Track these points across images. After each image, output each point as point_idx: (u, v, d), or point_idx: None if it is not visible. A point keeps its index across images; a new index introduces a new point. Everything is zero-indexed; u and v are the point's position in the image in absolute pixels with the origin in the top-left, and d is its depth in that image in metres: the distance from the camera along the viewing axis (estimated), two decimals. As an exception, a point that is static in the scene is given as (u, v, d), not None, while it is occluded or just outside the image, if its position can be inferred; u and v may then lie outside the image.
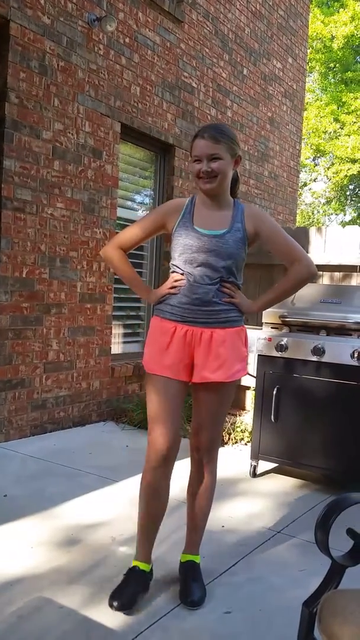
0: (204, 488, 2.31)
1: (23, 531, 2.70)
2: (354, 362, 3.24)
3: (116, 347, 5.19)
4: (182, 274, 2.22)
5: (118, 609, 2.06)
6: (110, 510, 3.00)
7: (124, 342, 5.35)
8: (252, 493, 3.39)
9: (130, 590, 2.13)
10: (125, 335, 5.35)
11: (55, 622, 1.99)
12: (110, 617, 2.03)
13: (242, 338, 2.26)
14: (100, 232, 4.75)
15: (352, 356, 3.25)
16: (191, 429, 2.31)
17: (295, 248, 2.27)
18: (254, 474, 3.67)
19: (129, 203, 5.35)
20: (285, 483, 3.60)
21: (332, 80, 19.44)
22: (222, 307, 2.20)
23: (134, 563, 2.23)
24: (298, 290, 2.35)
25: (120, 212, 5.10)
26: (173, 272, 2.27)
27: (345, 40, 18.23)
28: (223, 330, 2.18)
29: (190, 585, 2.20)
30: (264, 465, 3.80)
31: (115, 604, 2.07)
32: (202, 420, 2.24)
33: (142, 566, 2.21)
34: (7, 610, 2.04)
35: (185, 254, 2.20)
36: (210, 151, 2.12)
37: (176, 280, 2.23)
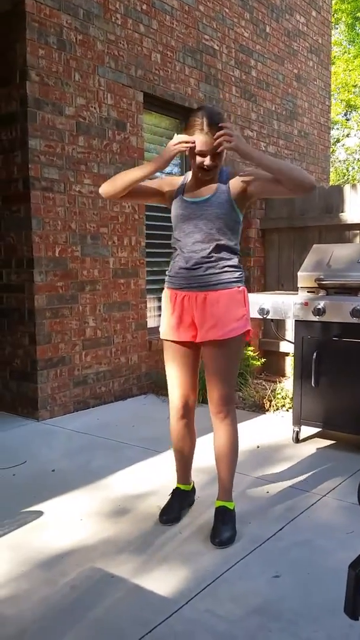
0: (223, 441, 2.47)
1: (72, 504, 2.77)
2: (394, 322, 3.17)
3: (152, 321, 5.20)
4: (176, 249, 2.44)
5: (165, 522, 2.52)
6: (155, 480, 3.05)
7: (160, 316, 5.35)
8: (296, 458, 3.39)
9: (175, 508, 2.59)
10: (160, 308, 5.34)
11: (107, 591, 2.05)
12: (161, 584, 2.08)
13: (239, 299, 2.40)
14: (129, 207, 4.73)
15: (391, 316, 3.17)
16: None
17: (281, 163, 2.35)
18: (297, 440, 3.66)
19: (157, 174, 5.28)
20: (328, 447, 3.58)
21: (360, 30, 18.67)
22: (214, 271, 2.36)
23: (177, 485, 2.68)
24: (292, 180, 2.23)
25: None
26: (173, 247, 2.47)
27: (372, -14, 17.44)
28: (216, 292, 2.36)
29: (219, 527, 2.41)
30: (306, 431, 3.78)
31: (164, 518, 2.54)
32: (210, 375, 2.44)
33: (183, 487, 2.68)
34: (60, 581, 2.11)
35: (178, 225, 2.41)
36: (215, 148, 2.25)
37: (183, 142, 2.28)
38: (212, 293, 2.36)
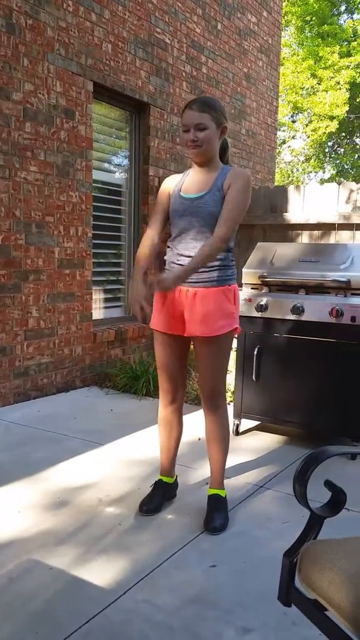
0: (212, 434, 2.58)
1: (10, 496, 2.73)
2: (332, 320, 3.28)
3: (97, 313, 5.17)
4: (169, 246, 2.49)
5: (146, 512, 2.55)
6: (96, 472, 3.04)
7: (105, 308, 5.34)
8: (235, 450, 3.45)
9: (156, 499, 2.62)
10: (106, 300, 5.33)
11: (45, 582, 2.04)
12: (99, 576, 2.08)
13: (229, 296, 2.43)
14: (76, 196, 4.68)
15: (330, 314, 3.28)
16: None
17: (224, 217, 2.33)
18: (237, 432, 3.73)
19: (106, 165, 5.26)
20: (267, 440, 3.67)
21: (309, 34, 19.02)
22: (205, 269, 2.38)
23: (159, 477, 2.71)
24: (212, 258, 2.34)
25: (97, 175, 5.01)
26: (168, 242, 2.51)
27: (322, -9, 17.78)
28: (206, 289, 2.39)
29: (213, 514, 2.49)
30: (246, 424, 3.86)
31: (144, 508, 2.56)
32: (200, 370, 2.52)
33: (165, 479, 2.70)
34: (-3, 573, 2.08)
35: (173, 220, 2.46)
36: (196, 120, 2.32)
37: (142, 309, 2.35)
38: (202, 290, 2.39)
